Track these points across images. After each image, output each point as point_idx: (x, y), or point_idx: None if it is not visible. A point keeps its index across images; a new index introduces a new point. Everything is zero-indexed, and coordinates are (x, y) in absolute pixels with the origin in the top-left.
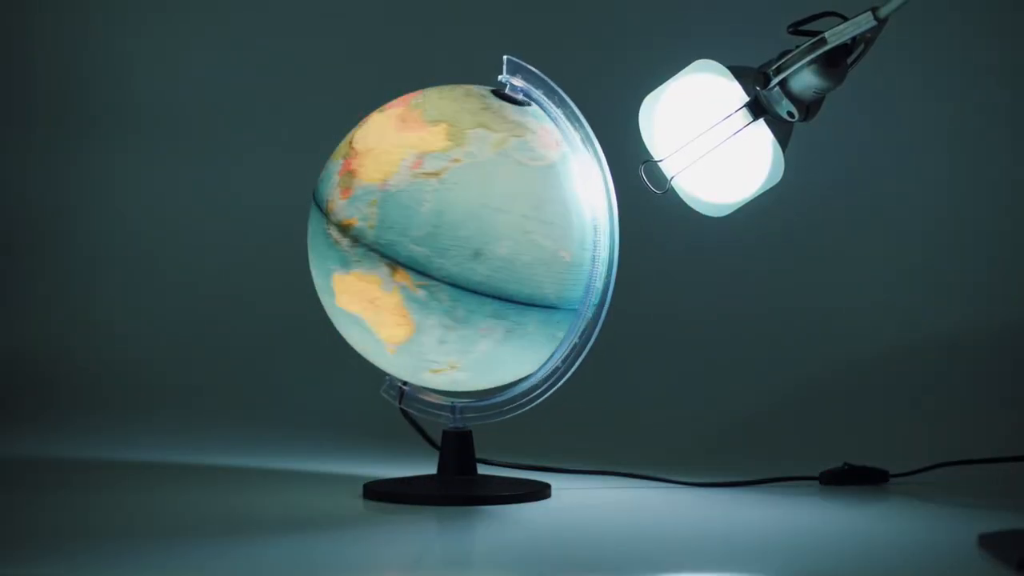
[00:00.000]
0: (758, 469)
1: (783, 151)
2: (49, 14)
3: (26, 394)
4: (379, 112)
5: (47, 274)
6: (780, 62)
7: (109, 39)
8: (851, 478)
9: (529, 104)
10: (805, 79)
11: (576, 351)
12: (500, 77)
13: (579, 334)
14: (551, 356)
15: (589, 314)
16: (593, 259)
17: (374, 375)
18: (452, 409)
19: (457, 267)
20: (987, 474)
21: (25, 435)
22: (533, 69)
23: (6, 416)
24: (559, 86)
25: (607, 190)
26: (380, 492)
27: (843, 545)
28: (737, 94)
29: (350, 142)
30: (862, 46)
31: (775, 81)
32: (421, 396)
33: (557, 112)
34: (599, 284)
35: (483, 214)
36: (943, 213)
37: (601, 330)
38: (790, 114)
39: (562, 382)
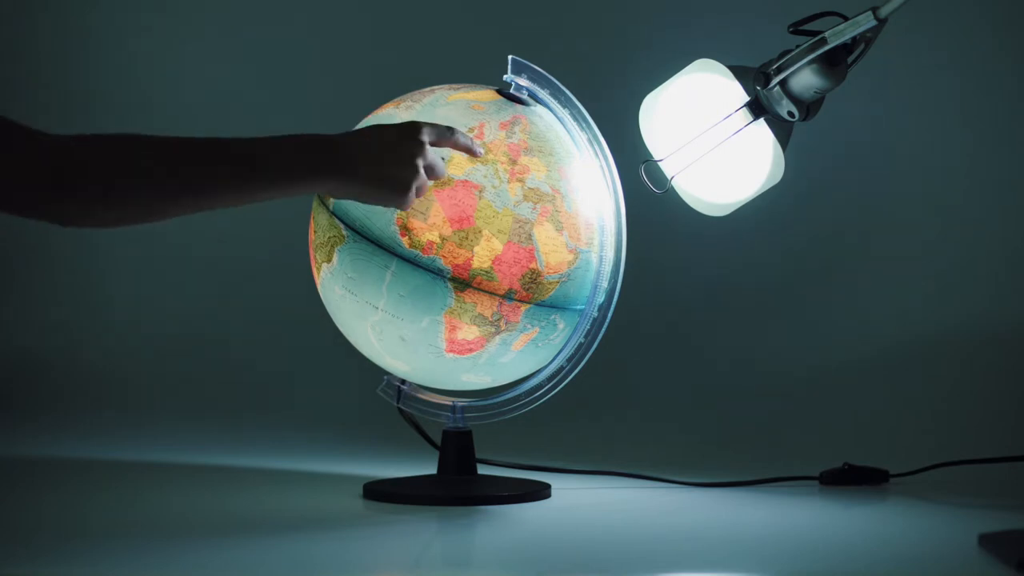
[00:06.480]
0: (758, 469)
1: (783, 151)
2: (51, 14)
3: (27, 394)
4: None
5: (46, 275)
6: (780, 62)
7: (110, 39)
8: (851, 478)
9: (533, 104)
10: (805, 79)
11: (581, 351)
12: (505, 77)
13: (584, 334)
14: (555, 356)
15: (595, 314)
16: (601, 259)
17: (374, 375)
18: (452, 409)
19: None
20: (987, 474)
21: (25, 435)
22: (539, 69)
23: (6, 416)
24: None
25: (614, 191)
26: (380, 492)
27: (843, 545)
28: (737, 94)
29: None
30: (862, 46)
31: (775, 81)
32: (420, 395)
33: (563, 112)
34: (605, 284)
35: None
36: (942, 215)
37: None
38: (790, 114)
39: (566, 382)
